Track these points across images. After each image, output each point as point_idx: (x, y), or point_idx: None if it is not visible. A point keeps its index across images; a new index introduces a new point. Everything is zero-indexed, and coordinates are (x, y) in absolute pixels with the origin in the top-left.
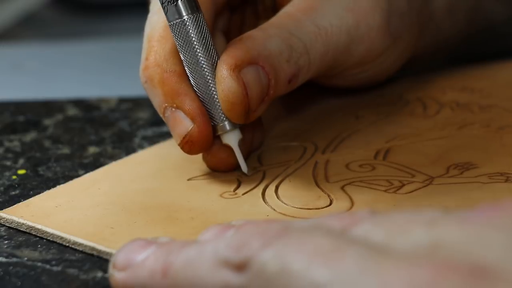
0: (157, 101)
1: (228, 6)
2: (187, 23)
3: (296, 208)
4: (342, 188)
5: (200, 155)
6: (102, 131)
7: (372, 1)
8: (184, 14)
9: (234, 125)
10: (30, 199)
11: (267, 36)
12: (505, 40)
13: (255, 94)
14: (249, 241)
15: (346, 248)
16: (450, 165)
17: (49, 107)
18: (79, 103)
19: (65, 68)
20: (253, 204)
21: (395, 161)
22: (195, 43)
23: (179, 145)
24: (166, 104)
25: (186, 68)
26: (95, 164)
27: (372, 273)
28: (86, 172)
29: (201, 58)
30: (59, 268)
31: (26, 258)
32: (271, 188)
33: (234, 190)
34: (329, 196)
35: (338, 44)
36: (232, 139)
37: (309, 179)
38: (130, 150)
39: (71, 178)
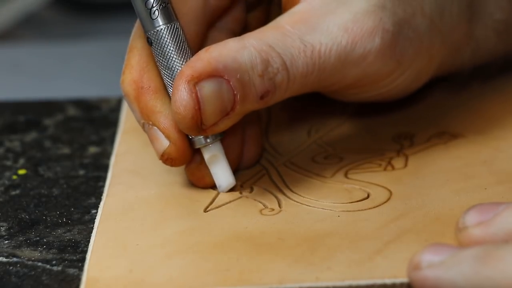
0: (135, 117)
1: (240, 3)
2: (163, 33)
3: (343, 203)
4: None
5: None
6: (102, 131)
7: (375, 21)
8: (160, 23)
9: (213, 139)
10: (86, 277)
11: (241, 47)
12: None
13: (213, 109)
14: None
15: None
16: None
17: (49, 107)
18: (79, 103)
19: (65, 68)
20: (296, 215)
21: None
22: (172, 53)
23: (160, 160)
24: (143, 121)
25: (163, 79)
26: (95, 164)
27: None
28: (87, 172)
29: (177, 69)
30: (59, 268)
31: (26, 258)
32: (300, 195)
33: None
34: (360, 189)
35: (325, 65)
36: (204, 155)
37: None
38: None
39: (71, 178)
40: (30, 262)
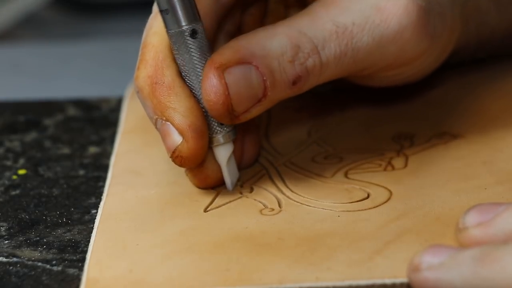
0: (148, 113)
1: (239, 4)
2: (186, 33)
3: (343, 203)
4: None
5: None
6: (102, 131)
7: None
8: (183, 24)
9: (226, 139)
10: (86, 278)
11: (270, 34)
12: None
13: (243, 95)
14: None
15: None
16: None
17: (49, 107)
18: (79, 103)
19: (65, 68)
20: (296, 215)
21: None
22: (193, 53)
23: (170, 158)
24: (156, 116)
25: (184, 77)
26: (95, 164)
27: None
28: (87, 172)
29: (198, 69)
30: (59, 268)
31: (26, 258)
32: (300, 195)
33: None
34: (360, 189)
35: (359, 45)
36: (221, 153)
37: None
38: None
39: (71, 178)
40: (30, 262)
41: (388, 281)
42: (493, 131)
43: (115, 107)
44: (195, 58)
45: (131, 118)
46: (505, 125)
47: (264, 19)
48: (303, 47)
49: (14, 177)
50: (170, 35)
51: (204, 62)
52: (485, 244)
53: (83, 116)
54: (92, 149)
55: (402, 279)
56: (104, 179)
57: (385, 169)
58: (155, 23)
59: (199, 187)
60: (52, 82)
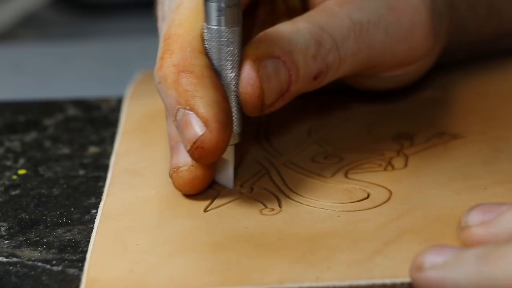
0: (170, 103)
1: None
2: (225, 33)
3: (343, 203)
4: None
5: None
6: (102, 131)
7: None
8: (223, 24)
9: (236, 140)
10: (86, 278)
11: (295, 30)
12: None
13: (272, 88)
14: None
15: None
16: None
17: (49, 107)
18: (79, 103)
19: (65, 68)
20: (296, 215)
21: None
22: (224, 54)
23: (188, 151)
24: (179, 106)
25: (217, 70)
26: (95, 164)
27: None
28: (87, 172)
29: (226, 69)
30: (59, 268)
31: (26, 258)
32: (300, 195)
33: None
34: (360, 189)
35: (374, 42)
36: (231, 153)
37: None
38: None
39: (71, 178)
40: (30, 262)
41: (388, 281)
42: (493, 131)
43: (115, 107)
44: (224, 57)
45: (131, 118)
46: (505, 125)
47: (254, 28)
48: (324, 43)
49: (14, 177)
50: (208, 30)
51: (235, 63)
52: (488, 243)
53: (83, 116)
54: (92, 149)
55: (402, 279)
56: (104, 179)
57: (385, 169)
58: (176, 16)
59: (183, 191)
60: (52, 82)
